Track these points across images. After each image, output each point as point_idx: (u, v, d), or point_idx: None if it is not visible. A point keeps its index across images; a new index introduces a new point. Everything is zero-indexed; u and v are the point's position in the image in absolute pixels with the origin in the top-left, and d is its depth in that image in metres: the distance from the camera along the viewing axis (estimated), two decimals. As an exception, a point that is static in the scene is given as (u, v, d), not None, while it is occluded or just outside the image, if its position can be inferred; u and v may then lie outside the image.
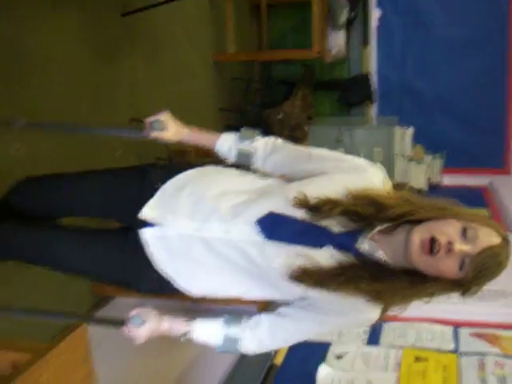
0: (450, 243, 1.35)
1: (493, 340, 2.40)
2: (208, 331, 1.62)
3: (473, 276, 1.37)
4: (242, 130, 1.66)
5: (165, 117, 1.69)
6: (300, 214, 1.44)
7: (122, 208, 1.66)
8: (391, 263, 1.44)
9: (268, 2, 5.37)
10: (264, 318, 1.59)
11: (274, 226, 1.47)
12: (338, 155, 1.59)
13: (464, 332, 2.48)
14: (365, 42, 5.45)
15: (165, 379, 2.42)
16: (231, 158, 1.67)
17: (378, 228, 1.43)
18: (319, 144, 1.75)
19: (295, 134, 4.73)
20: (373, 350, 2.39)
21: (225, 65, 4.84)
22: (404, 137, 4.73)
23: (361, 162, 1.56)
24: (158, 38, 3.67)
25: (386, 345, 2.42)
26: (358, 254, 1.44)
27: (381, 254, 1.44)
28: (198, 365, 2.50)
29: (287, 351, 2.35)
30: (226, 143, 1.67)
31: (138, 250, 1.59)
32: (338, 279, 1.40)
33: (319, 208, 1.43)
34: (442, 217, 1.41)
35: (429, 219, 1.40)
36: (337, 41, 4.95)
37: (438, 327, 2.52)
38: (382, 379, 2.20)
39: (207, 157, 1.77)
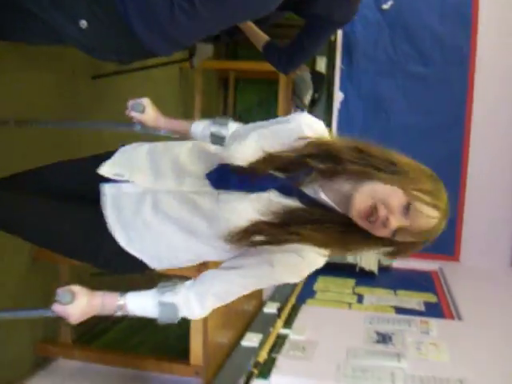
0: (387, 219, 1.39)
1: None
2: (142, 301, 1.55)
3: (407, 245, 1.46)
4: (217, 117, 1.80)
5: (146, 101, 1.88)
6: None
7: (86, 175, 1.70)
8: (334, 208, 1.46)
9: (236, 76, 5.51)
10: (201, 275, 1.56)
11: (221, 177, 1.53)
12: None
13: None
14: (326, 123, 5.56)
15: None
16: (205, 139, 1.76)
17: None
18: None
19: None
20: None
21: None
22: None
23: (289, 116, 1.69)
24: (126, 102, 3.70)
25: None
26: (302, 196, 1.47)
27: (324, 197, 1.46)
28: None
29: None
30: (201, 125, 1.79)
31: (98, 219, 1.60)
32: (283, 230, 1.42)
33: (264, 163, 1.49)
34: (390, 181, 1.43)
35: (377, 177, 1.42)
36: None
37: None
38: None
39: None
